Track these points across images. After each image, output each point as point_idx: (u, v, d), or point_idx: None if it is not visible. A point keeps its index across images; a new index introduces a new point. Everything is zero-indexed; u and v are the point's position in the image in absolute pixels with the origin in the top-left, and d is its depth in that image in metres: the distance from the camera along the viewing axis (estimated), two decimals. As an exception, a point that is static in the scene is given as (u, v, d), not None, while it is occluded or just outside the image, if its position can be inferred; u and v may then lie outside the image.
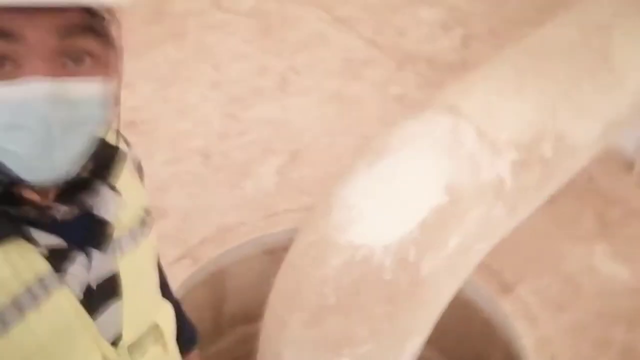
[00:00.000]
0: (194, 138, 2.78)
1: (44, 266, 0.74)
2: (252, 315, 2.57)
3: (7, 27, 0.65)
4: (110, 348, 0.82)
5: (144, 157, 2.77)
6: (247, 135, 2.82)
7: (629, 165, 2.74)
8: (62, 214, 0.76)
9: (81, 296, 0.78)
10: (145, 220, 0.94)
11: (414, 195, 1.57)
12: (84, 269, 0.79)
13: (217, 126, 2.87)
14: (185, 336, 1.22)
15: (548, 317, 2.12)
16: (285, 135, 2.82)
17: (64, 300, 0.75)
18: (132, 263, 0.88)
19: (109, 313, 0.83)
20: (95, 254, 0.81)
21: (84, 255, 0.80)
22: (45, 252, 0.74)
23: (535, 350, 2.03)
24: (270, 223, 2.42)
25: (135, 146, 2.94)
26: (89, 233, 0.81)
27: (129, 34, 2.91)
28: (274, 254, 2.40)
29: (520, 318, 2.12)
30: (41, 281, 0.73)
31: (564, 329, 2.09)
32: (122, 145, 0.89)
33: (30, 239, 0.73)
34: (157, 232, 2.38)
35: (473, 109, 1.70)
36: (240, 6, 3.80)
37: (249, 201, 2.49)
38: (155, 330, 0.94)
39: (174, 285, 2.16)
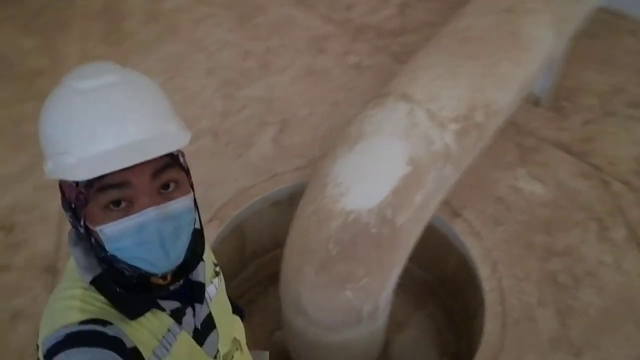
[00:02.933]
0: (203, 120, 2.83)
1: (170, 321, 0.91)
2: (265, 250, 2.75)
3: (121, 180, 0.77)
4: None
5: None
6: (244, 111, 2.88)
7: (537, 102, 2.86)
8: (175, 287, 0.92)
9: (192, 335, 0.95)
10: (217, 271, 1.09)
11: (386, 169, 1.70)
12: (192, 318, 0.96)
13: (219, 107, 2.91)
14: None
15: (488, 232, 2.28)
16: (274, 109, 2.87)
17: (184, 340, 0.93)
18: (217, 303, 1.04)
19: (210, 340, 1.01)
20: (197, 306, 0.96)
21: (191, 308, 0.96)
22: (170, 313, 0.91)
23: (481, 258, 2.21)
24: (274, 182, 2.52)
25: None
26: (191, 293, 0.96)
27: (132, 35, 2.94)
28: (279, 205, 2.53)
29: (468, 235, 2.29)
30: (170, 331, 0.90)
31: (500, 239, 2.26)
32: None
33: (160, 307, 0.90)
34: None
35: (421, 95, 1.80)
36: (219, -1, 3.75)
37: (255, 167, 2.58)
38: (235, 341, 1.13)
39: (207, 243, 2.30)
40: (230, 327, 1.13)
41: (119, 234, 0.78)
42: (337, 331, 1.91)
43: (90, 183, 0.76)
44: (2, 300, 2.15)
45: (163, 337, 0.89)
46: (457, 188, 2.35)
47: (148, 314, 0.88)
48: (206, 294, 1.00)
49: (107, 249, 0.80)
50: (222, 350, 1.05)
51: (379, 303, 1.85)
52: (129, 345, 0.81)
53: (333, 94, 2.92)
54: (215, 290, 1.05)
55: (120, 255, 0.81)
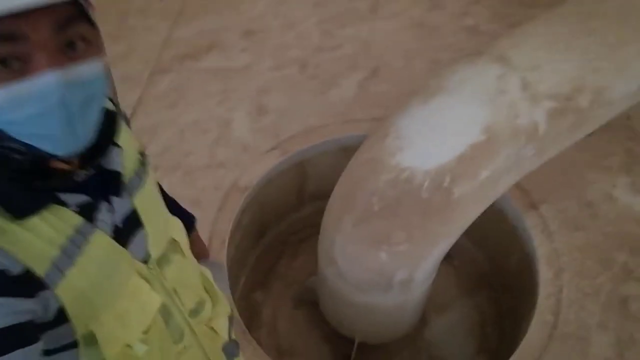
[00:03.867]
0: (295, 49, 2.71)
1: (78, 220, 0.73)
2: (325, 195, 2.62)
3: (10, 30, 0.60)
4: (143, 266, 0.85)
5: (255, 62, 2.76)
6: (338, 50, 2.72)
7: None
8: (82, 176, 0.75)
9: (112, 234, 0.79)
10: (143, 161, 0.91)
11: (456, 132, 1.49)
12: (109, 214, 0.79)
13: (315, 40, 2.77)
14: (185, 222, 1.22)
15: (563, 234, 2.02)
16: (370, 54, 2.70)
17: (101, 241, 0.76)
18: (143, 197, 0.87)
19: (137, 240, 0.84)
20: (115, 199, 0.80)
21: (107, 203, 0.79)
22: (77, 209, 0.74)
23: (546, 260, 1.96)
24: (347, 127, 2.38)
25: (249, 52, 2.89)
26: (106, 185, 0.79)
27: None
28: (347, 151, 2.38)
29: (539, 231, 2.04)
30: (79, 232, 0.73)
31: (575, 246, 1.99)
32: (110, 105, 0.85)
33: (62, 203, 0.72)
34: (257, 125, 2.40)
35: (520, 61, 1.55)
36: None
37: (332, 107, 2.44)
38: (173, 243, 0.95)
39: (264, 170, 2.22)
40: (164, 227, 0.94)
41: (11, 102, 0.62)
42: (364, 292, 1.77)
43: None
44: None
45: (68, 239, 0.71)
46: (541, 178, 2.09)
47: (45, 213, 0.70)
48: (128, 187, 0.84)
49: None
50: (155, 252, 0.88)
51: (415, 275, 1.68)
52: (16, 270, 0.66)
53: (436, 52, 2.68)
54: (140, 183, 0.88)
55: (11, 131, 0.65)
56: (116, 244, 0.79)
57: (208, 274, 1.14)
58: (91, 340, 0.77)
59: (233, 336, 1.24)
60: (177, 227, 1.01)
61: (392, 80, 2.54)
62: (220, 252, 1.95)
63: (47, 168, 0.72)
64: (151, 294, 0.85)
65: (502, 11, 2.99)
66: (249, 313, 2.43)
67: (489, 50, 1.62)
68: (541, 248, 2.00)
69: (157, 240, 0.90)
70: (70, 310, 0.73)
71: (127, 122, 0.98)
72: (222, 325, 1.11)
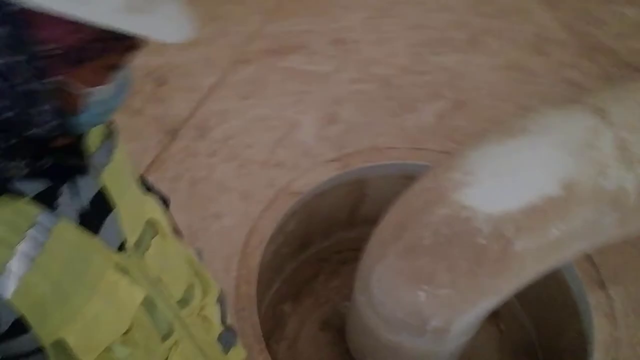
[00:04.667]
0: (380, 66, 2.62)
1: (35, 211, 0.64)
2: (379, 220, 2.50)
3: (133, 44, 0.63)
4: (120, 254, 0.75)
5: (337, 70, 2.68)
6: (424, 76, 2.60)
7: None
8: (43, 164, 0.66)
9: (79, 220, 0.69)
10: (110, 130, 0.81)
11: (531, 179, 1.33)
12: (73, 196, 0.69)
13: (403, 61, 2.66)
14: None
15: (630, 323, 1.78)
16: (456, 86, 2.55)
17: (65, 231, 0.67)
18: (112, 173, 0.77)
19: (108, 224, 0.74)
20: (79, 180, 0.71)
21: (70, 184, 0.70)
22: (34, 197, 0.65)
23: (604, 349, 1.73)
24: (416, 154, 2.24)
25: (334, 60, 2.82)
26: (68, 166, 0.70)
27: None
28: (410, 179, 2.22)
29: (602, 315, 1.81)
30: (38, 224, 0.64)
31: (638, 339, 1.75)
32: None
33: (16, 193, 0.63)
34: (324, 133, 2.32)
35: (620, 118, 1.37)
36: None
37: (405, 132, 2.32)
38: (150, 224, 0.85)
39: (320, 179, 2.12)
40: (139, 206, 0.84)
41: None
42: (394, 330, 1.62)
43: (120, 37, 0.58)
44: None
45: (23, 236, 0.62)
46: (615, 254, 1.87)
47: None
48: (92, 164, 0.73)
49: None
50: (131, 236, 0.78)
51: (452, 325, 1.52)
52: None
53: (528, 98, 2.50)
54: (108, 158, 0.77)
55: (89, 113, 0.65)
56: (85, 233, 0.69)
57: (193, 254, 1.04)
58: (62, 348, 0.67)
59: (229, 321, 1.14)
60: (152, 204, 0.90)
61: (473, 117, 2.38)
62: (255, 251, 1.86)
63: (47, 147, 0.67)
64: (131, 289, 0.74)
65: (611, 71, 2.76)
66: (273, 322, 2.32)
67: (586, 99, 1.45)
68: (601, 333, 1.77)
69: (132, 222, 0.79)
70: (30, 319, 0.63)
71: None
72: (214, 313, 1.01)
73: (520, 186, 1.33)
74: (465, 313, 1.48)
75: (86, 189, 0.72)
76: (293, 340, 2.30)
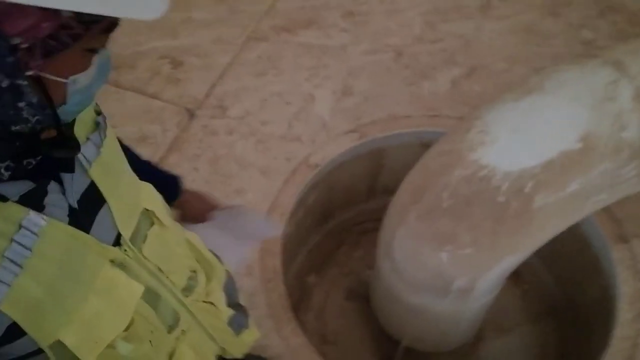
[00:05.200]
0: (394, 37, 2.59)
1: (21, 213, 0.62)
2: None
3: (111, 25, 0.62)
4: (115, 249, 0.73)
5: (351, 43, 2.67)
6: (438, 44, 2.57)
7: None
8: (26, 165, 0.64)
9: (69, 218, 0.67)
10: (98, 122, 0.77)
11: (548, 135, 1.33)
12: (60, 194, 0.67)
13: (416, 31, 2.64)
14: (170, 185, 1.11)
15: (653, 275, 1.78)
16: (470, 52, 2.52)
17: (55, 231, 0.64)
18: (102, 166, 0.74)
19: (101, 219, 0.72)
20: (66, 177, 0.68)
21: (56, 183, 0.67)
22: (19, 199, 0.62)
23: (629, 300, 1.73)
24: (433, 121, 2.24)
25: (347, 33, 2.80)
26: (53, 161, 0.67)
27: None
28: (427, 148, 2.24)
29: (625, 267, 1.81)
30: (25, 227, 0.61)
31: (664, 290, 1.75)
32: None
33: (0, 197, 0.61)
34: (340, 106, 2.33)
35: (638, 70, 1.35)
36: None
37: (421, 100, 2.31)
38: (146, 214, 0.82)
39: (338, 151, 2.13)
40: (133, 197, 0.81)
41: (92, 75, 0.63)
42: (418, 293, 1.65)
43: (93, 20, 0.57)
44: None
45: (10, 241, 0.60)
46: (637, 207, 1.86)
47: None
48: (80, 158, 0.70)
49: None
50: (126, 229, 0.75)
51: (476, 284, 1.53)
52: None
53: (542, 60, 2.46)
54: (97, 150, 0.74)
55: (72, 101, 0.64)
56: (76, 231, 0.67)
57: (195, 239, 1.02)
58: (62, 348, 0.66)
59: (240, 301, 1.13)
60: (148, 193, 0.87)
61: (488, 81, 2.36)
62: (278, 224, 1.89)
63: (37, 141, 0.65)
64: (130, 284, 0.73)
65: (627, 29, 2.70)
66: (299, 294, 2.36)
67: (602, 54, 1.43)
68: (625, 286, 1.78)
69: (126, 214, 0.77)
70: (25, 325, 0.61)
71: None
72: (220, 297, 0.99)
73: (538, 142, 1.33)
74: (488, 271, 1.49)
75: (74, 185, 0.69)
76: (320, 310, 2.34)
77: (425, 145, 2.25)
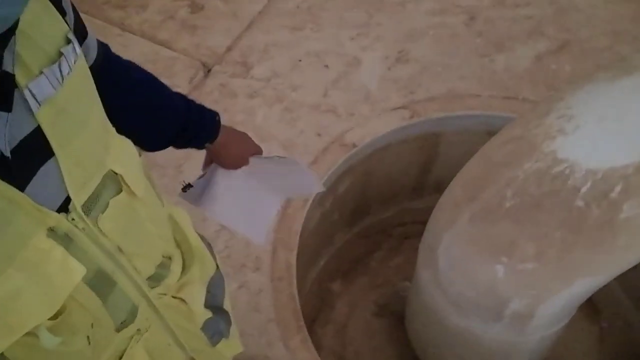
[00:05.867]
0: (466, -4, 2.56)
1: None
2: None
3: None
4: (57, 216, 0.68)
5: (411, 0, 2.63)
6: (523, 9, 2.52)
7: None
8: None
9: None
10: (63, 52, 0.70)
11: (649, 127, 1.28)
12: None
13: (498, -11, 2.60)
14: (207, 124, 1.08)
15: None
16: (562, 23, 2.46)
17: None
18: (56, 109, 0.68)
19: (43, 176, 0.67)
20: (1, 114, 0.62)
21: None
22: None
23: None
24: (506, 104, 2.20)
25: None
26: None
27: None
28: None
29: None
30: None
31: None
32: None
33: None
34: (392, 75, 2.30)
35: None
36: None
37: (493, 76, 2.27)
38: (113, 177, 0.78)
39: (383, 130, 2.11)
40: (97, 154, 0.75)
41: None
42: (464, 313, 1.63)
43: None
44: None
45: None
46: None
47: None
48: (26, 93, 0.64)
49: None
50: (78, 193, 0.71)
51: (537, 310, 1.50)
52: None
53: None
54: (54, 87, 0.67)
55: None
56: (4, 186, 0.62)
57: (181, 216, 0.98)
58: None
59: (226, 305, 1.10)
60: (121, 150, 0.82)
61: (583, 60, 2.30)
62: (297, 213, 1.89)
63: None
64: (67, 262, 0.69)
65: None
66: (319, 302, 2.37)
67: None
68: None
69: (81, 174, 0.72)
70: None
71: None
72: (196, 294, 0.96)
73: (634, 135, 1.28)
74: (555, 295, 1.46)
75: (12, 128, 0.63)
76: (341, 325, 2.34)
77: (492, 133, 2.21)
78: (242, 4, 2.51)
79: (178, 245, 0.97)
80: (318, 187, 1.41)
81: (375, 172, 2.26)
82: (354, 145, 2.06)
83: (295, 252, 1.82)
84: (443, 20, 2.47)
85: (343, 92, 2.20)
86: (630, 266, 1.42)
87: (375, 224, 2.55)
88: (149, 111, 1.02)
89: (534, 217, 1.36)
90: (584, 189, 1.30)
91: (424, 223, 2.08)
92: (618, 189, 1.28)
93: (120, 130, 0.83)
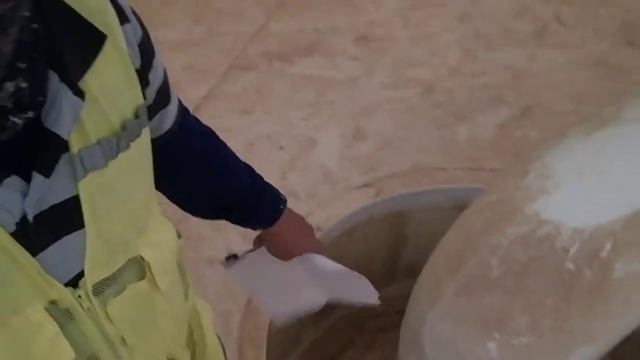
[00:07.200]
0: (421, 68, 2.68)
1: None
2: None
3: None
4: (63, 289, 0.68)
5: (364, 75, 2.75)
6: (480, 78, 2.65)
7: None
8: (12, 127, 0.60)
9: (13, 228, 0.61)
10: (129, 126, 0.72)
11: (632, 178, 1.33)
12: (18, 195, 0.61)
13: (451, 61, 2.72)
14: (269, 207, 1.10)
15: None
16: (522, 88, 2.60)
17: None
18: (103, 181, 0.69)
19: (63, 246, 0.67)
20: (37, 177, 0.62)
21: (19, 178, 0.61)
22: None
23: None
24: (473, 176, 2.26)
25: (360, 63, 2.91)
26: (31, 152, 0.62)
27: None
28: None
29: None
30: None
31: None
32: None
33: None
34: (350, 153, 2.35)
35: None
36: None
37: (456, 148, 2.35)
38: (139, 263, 0.78)
39: (347, 211, 2.13)
40: (128, 234, 0.76)
41: None
42: (455, 402, 1.60)
43: None
44: None
45: None
46: None
47: None
48: (75, 160, 0.65)
49: None
50: (94, 271, 0.71)
51: (536, 391, 1.49)
52: None
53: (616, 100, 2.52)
54: (106, 159, 0.68)
55: None
56: (14, 246, 0.62)
57: (205, 312, 0.99)
58: None
59: None
60: (158, 237, 0.82)
61: (548, 127, 2.41)
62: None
63: None
64: (56, 343, 0.68)
65: None
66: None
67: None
68: None
69: (106, 252, 0.72)
70: None
71: (147, 41, 0.78)
72: None
73: (617, 188, 1.33)
74: (554, 371, 1.46)
75: (48, 192, 0.64)
76: None
77: (462, 207, 2.26)
78: (184, 89, 2.56)
79: (192, 344, 0.95)
80: (373, 299, 1.42)
81: (342, 257, 2.25)
82: (318, 229, 2.06)
83: (264, 351, 1.78)
84: (398, 94, 2.57)
85: (301, 174, 2.23)
86: (630, 330, 1.44)
87: (345, 317, 2.52)
88: (208, 182, 1.03)
89: (524, 285, 1.38)
90: (572, 250, 1.32)
91: (399, 313, 2.07)
92: (608, 246, 1.31)
93: (168, 193, 0.88)
